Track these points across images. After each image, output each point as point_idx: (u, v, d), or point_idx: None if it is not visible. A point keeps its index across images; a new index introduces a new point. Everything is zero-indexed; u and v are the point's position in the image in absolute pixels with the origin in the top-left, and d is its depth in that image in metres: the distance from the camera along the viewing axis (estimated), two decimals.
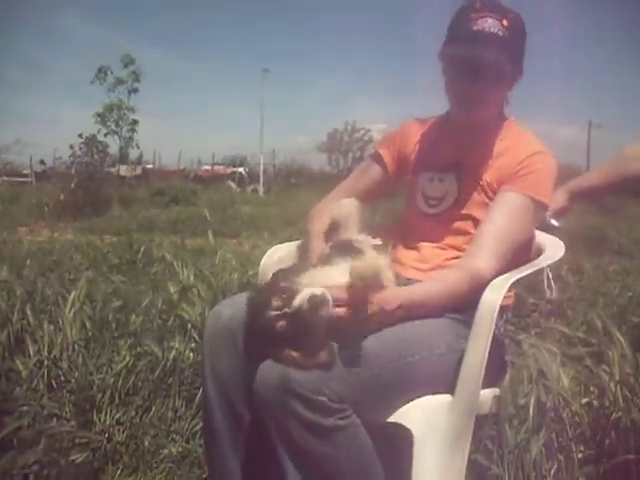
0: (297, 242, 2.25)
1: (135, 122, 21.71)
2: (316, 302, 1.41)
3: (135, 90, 21.71)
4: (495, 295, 1.64)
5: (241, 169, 34.72)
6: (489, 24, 1.79)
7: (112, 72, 21.35)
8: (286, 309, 1.45)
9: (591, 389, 2.22)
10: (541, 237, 2.10)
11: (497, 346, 1.75)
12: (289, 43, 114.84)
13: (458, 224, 1.91)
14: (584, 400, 2.14)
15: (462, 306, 1.71)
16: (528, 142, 1.93)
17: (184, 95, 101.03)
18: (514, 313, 3.79)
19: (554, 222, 2.25)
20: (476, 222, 1.87)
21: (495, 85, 1.87)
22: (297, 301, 1.43)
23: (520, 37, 1.87)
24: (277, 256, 2.18)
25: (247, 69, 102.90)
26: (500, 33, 1.79)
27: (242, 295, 1.76)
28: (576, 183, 2.38)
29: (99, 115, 21.14)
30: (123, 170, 24.89)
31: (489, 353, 1.64)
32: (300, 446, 1.46)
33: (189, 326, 2.80)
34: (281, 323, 1.46)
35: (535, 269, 1.80)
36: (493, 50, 1.79)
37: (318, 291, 1.42)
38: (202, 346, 1.78)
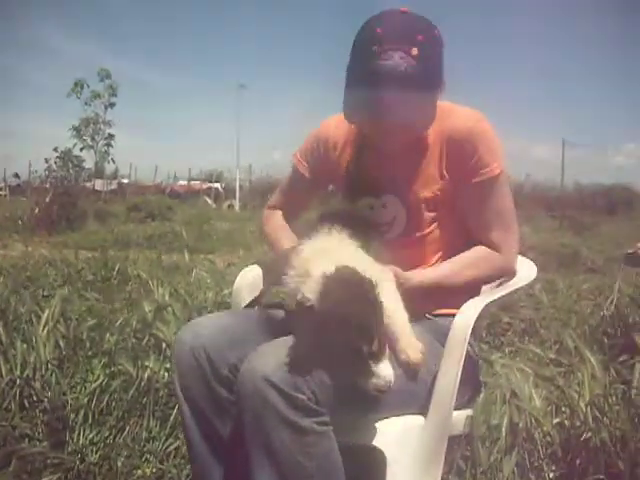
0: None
1: (111, 136, 21.63)
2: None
3: (112, 104, 21.62)
4: (467, 318, 1.66)
5: (217, 184, 34.68)
6: (395, 61, 1.61)
7: (88, 86, 21.25)
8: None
9: (563, 409, 2.25)
10: None
11: (470, 367, 1.77)
12: (267, 58, 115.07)
13: (418, 244, 1.85)
14: (555, 420, 2.16)
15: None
16: (457, 129, 1.78)
17: (161, 110, 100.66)
18: (488, 332, 3.85)
19: None
20: (435, 236, 1.85)
21: (412, 114, 1.70)
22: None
23: (435, 56, 1.70)
24: (251, 276, 2.19)
25: (224, 84, 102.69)
26: (409, 69, 1.61)
27: (207, 317, 1.83)
28: None
29: (75, 129, 21.03)
30: (99, 184, 24.78)
31: (462, 374, 1.66)
32: (274, 446, 1.44)
33: (164, 345, 2.80)
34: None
35: (508, 291, 1.83)
36: (402, 89, 1.62)
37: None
38: (172, 372, 1.77)
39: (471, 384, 1.83)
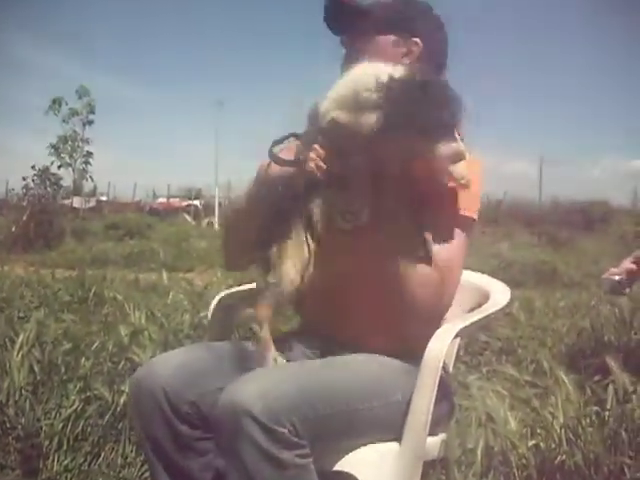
0: (249, 286, 2.25)
1: (89, 154, 21.43)
2: None
3: (90, 122, 21.47)
4: (441, 344, 1.67)
5: (196, 202, 34.58)
6: None
7: (67, 103, 21.09)
8: None
9: (538, 431, 2.26)
10: (486, 281, 2.14)
11: (445, 391, 1.77)
12: (245, 73, 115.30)
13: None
14: (531, 442, 2.17)
15: None
16: None
17: (140, 126, 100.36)
18: (466, 350, 3.87)
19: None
20: None
21: None
22: None
23: None
24: (226, 302, 2.19)
25: (202, 100, 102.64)
26: None
27: (164, 355, 1.79)
28: None
29: (53, 146, 20.85)
30: (77, 202, 24.58)
31: (437, 400, 1.66)
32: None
33: None
34: None
35: (482, 316, 1.84)
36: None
37: None
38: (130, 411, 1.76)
39: (445, 409, 1.82)
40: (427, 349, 1.67)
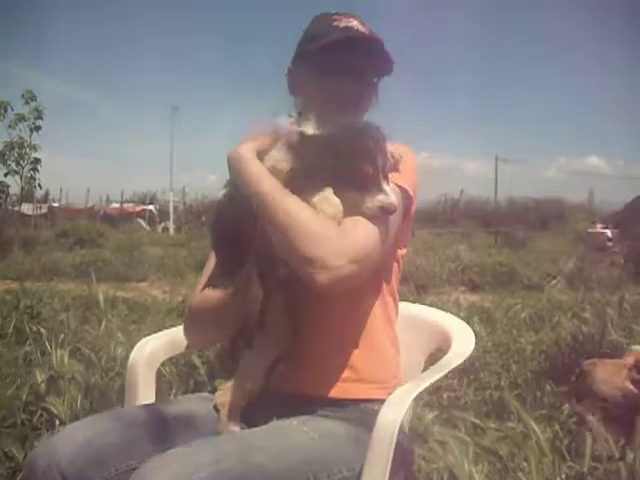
0: (173, 330, 1.96)
1: (37, 161, 20.75)
2: None
3: (37, 128, 20.77)
4: (395, 413, 1.40)
5: (151, 207, 34.07)
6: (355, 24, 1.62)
7: (12, 109, 20.38)
8: None
9: None
10: (448, 322, 1.89)
11: (402, 459, 1.51)
12: (200, 78, 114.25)
13: None
14: None
15: None
16: None
17: (93, 131, 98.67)
18: None
19: None
20: None
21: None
22: None
23: None
24: (148, 349, 1.90)
25: (157, 105, 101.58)
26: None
27: (65, 430, 1.52)
28: None
29: None
30: (27, 209, 23.91)
31: (392, 471, 1.40)
32: None
33: (57, 423, 2.43)
34: None
35: (443, 374, 1.57)
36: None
37: None
38: None
39: (402, 475, 1.56)
40: (379, 417, 1.40)
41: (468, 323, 4.41)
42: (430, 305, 2.03)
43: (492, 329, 4.78)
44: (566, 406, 2.82)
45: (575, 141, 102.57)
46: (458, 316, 2.02)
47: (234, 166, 1.49)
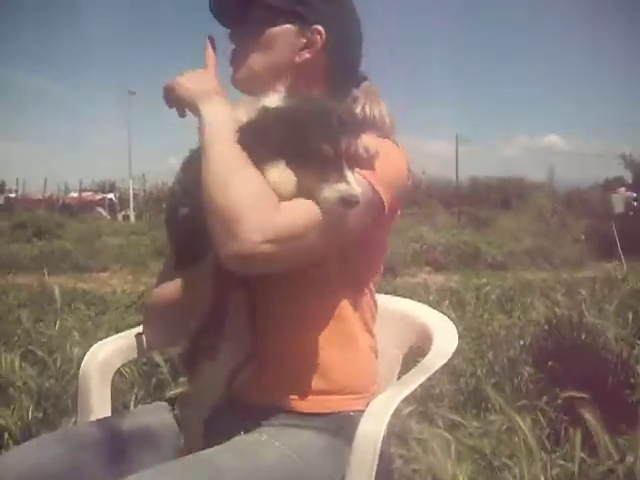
0: (129, 332, 1.80)
1: None
2: None
3: None
4: (377, 425, 1.25)
5: (111, 195, 33.52)
6: None
7: None
8: None
9: None
10: (429, 316, 1.75)
11: (383, 471, 1.37)
12: (157, 61, 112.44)
13: None
14: None
15: None
16: None
17: (49, 118, 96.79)
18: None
19: None
20: None
21: None
22: None
23: None
24: (102, 356, 1.73)
25: (113, 90, 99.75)
26: None
27: (17, 450, 1.40)
28: None
29: None
30: None
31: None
32: None
33: (6, 436, 2.24)
34: None
35: (426, 377, 1.43)
36: None
37: None
38: None
39: None
40: (359, 430, 1.26)
41: (439, 307, 4.31)
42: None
43: (462, 312, 4.67)
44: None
45: (534, 120, 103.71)
46: (427, 300, 1.86)
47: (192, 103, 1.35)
